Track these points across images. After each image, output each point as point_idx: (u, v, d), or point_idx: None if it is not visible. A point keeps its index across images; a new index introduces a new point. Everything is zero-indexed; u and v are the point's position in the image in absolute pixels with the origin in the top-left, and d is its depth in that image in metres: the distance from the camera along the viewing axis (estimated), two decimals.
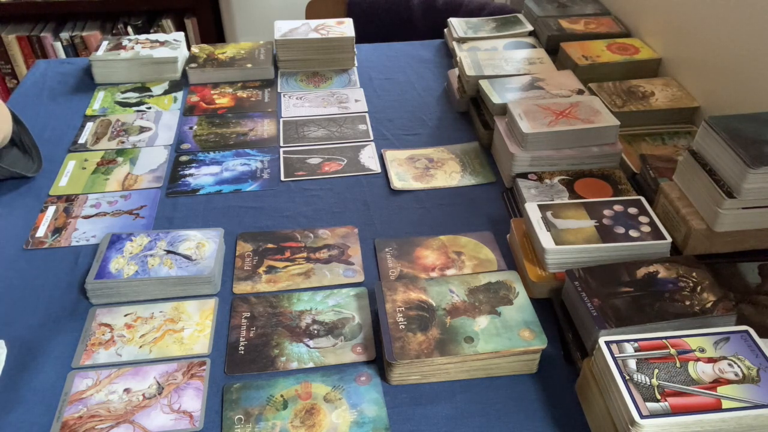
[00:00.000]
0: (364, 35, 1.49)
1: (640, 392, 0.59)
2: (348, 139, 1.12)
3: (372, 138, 1.13)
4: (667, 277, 0.72)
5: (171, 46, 1.32)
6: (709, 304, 0.68)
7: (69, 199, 0.98)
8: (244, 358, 0.73)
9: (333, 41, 1.32)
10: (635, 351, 0.62)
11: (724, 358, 0.62)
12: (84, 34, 2.28)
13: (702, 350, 0.63)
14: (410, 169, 1.04)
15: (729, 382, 0.59)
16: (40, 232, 0.91)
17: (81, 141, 1.12)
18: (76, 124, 1.16)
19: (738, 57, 0.99)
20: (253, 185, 1.01)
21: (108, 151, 1.09)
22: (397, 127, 1.16)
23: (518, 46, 1.29)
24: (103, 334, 0.76)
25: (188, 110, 1.21)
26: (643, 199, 0.84)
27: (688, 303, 0.68)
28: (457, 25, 1.39)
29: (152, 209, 0.96)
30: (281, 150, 1.10)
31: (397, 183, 1.01)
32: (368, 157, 1.08)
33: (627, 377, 0.60)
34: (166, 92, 1.26)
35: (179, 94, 1.25)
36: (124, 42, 1.33)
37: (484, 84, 1.10)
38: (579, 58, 1.19)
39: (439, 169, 1.05)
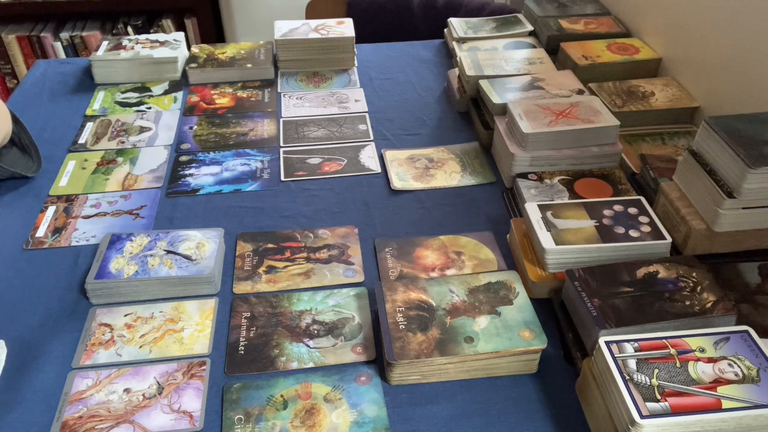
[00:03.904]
0: (364, 35, 1.49)
1: (640, 392, 0.58)
2: (348, 139, 1.12)
3: (372, 138, 1.13)
4: (667, 277, 0.72)
5: (171, 46, 1.32)
6: (709, 304, 0.68)
7: (69, 199, 0.98)
8: (244, 358, 0.73)
9: (333, 41, 1.32)
10: (635, 351, 0.62)
11: (724, 358, 0.62)
12: (84, 34, 2.28)
13: (702, 350, 0.62)
14: (410, 169, 1.04)
15: (729, 382, 0.59)
16: (40, 232, 0.91)
17: (81, 141, 1.12)
18: (76, 124, 1.16)
19: (738, 57, 0.99)
20: (253, 185, 1.01)
21: (108, 151, 1.09)
22: (397, 127, 1.16)
23: (518, 46, 1.29)
24: (103, 334, 0.76)
25: (188, 110, 1.21)
26: (643, 199, 0.84)
27: (688, 303, 0.68)
28: (457, 25, 1.39)
29: (152, 209, 0.96)
30: (281, 150, 1.10)
31: (397, 183, 1.01)
32: (368, 157, 1.08)
33: (627, 377, 0.60)
34: (166, 92, 1.26)
35: (179, 94, 1.25)
36: (124, 42, 1.33)
37: (484, 84, 1.10)
38: (579, 58, 1.19)
39: (439, 169, 1.05)
